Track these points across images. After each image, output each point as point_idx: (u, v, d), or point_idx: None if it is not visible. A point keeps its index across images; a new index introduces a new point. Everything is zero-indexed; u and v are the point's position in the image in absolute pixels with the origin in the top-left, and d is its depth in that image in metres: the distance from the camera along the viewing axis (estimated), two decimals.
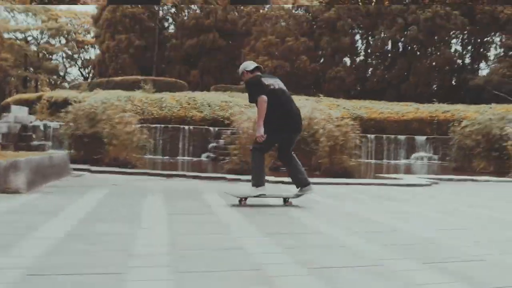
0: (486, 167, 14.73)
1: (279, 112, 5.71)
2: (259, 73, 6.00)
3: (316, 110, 13.08)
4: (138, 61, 52.80)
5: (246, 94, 6.08)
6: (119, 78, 37.41)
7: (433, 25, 39.51)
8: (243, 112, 13.67)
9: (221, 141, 20.03)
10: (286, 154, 6.02)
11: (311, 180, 6.23)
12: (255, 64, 6.05)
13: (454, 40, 45.05)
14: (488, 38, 44.10)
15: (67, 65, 71.47)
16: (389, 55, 45.60)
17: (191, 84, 48.36)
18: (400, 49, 44.94)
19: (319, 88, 41.89)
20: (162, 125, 22.19)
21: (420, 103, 30.49)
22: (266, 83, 5.78)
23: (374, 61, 46.35)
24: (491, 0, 39.88)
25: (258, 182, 5.74)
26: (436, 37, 41.33)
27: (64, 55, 69.48)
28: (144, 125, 16.44)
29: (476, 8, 40.33)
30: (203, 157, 21.16)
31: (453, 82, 44.38)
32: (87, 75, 69.22)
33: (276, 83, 5.90)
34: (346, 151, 11.61)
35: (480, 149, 14.94)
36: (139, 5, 50.87)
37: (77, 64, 71.45)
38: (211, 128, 22.56)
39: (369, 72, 46.18)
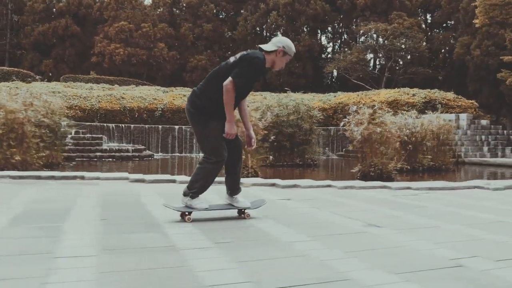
0: None
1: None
2: None
3: None
4: None
5: None
6: None
7: (292, 10, 37.98)
8: None
9: None
10: None
11: None
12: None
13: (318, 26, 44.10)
14: (351, 25, 43.67)
15: None
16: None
17: (44, 74, 43.49)
18: (265, 35, 43.12)
19: (180, 78, 38.97)
20: None
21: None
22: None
23: (237, 50, 44.14)
24: None
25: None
26: (295, 23, 39.91)
27: None
28: None
29: None
30: None
31: (320, 70, 43.53)
32: None
33: None
34: None
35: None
36: None
37: None
38: None
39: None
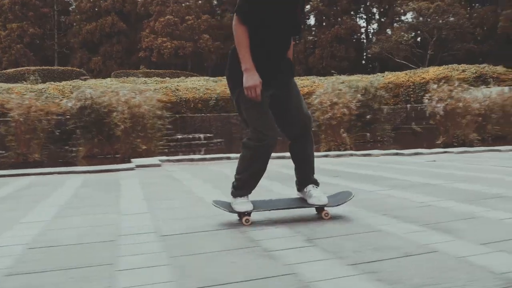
0: None
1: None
2: None
3: None
4: (37, 50, 48.92)
5: None
6: (12, 70, 34.48)
7: None
8: None
9: None
10: None
11: None
12: None
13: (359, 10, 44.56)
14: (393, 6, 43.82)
15: None
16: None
17: (94, 71, 45.54)
18: (305, 20, 43.87)
19: (223, 67, 40.19)
20: None
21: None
22: None
23: None
24: None
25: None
26: (336, 8, 40.51)
27: None
28: None
29: None
30: None
31: (361, 53, 44.09)
32: None
33: None
34: None
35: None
36: None
37: None
38: None
39: None
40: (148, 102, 10.16)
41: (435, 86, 10.95)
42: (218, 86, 25.62)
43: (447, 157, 6.96)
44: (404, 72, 26.02)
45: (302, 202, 3.13)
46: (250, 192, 3.02)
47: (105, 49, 46.65)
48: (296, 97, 3.04)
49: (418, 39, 42.24)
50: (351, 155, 7.73)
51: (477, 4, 45.13)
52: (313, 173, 3.16)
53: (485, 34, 42.33)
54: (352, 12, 46.05)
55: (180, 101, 23.06)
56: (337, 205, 3.08)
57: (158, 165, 6.72)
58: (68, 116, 10.86)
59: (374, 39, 41.83)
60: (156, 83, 28.71)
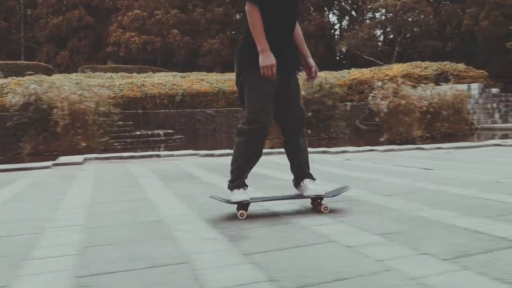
0: None
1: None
2: None
3: None
4: (3, 44, 47.69)
5: None
6: None
7: None
8: None
9: None
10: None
11: None
12: None
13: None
14: (360, 2, 44.29)
15: None
16: None
17: (61, 66, 44.68)
18: None
19: (194, 62, 39.96)
20: None
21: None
22: None
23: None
24: None
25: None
26: (305, 1, 40.65)
27: None
28: None
29: None
30: None
31: (334, 49, 44.33)
32: None
33: None
34: None
35: None
36: None
37: None
38: None
39: None
40: (94, 98, 9.97)
41: (379, 83, 11.07)
42: (185, 81, 25.42)
43: (370, 156, 6.82)
44: (369, 69, 26.31)
45: (299, 196, 3.14)
46: (245, 184, 3.05)
47: (72, 43, 45.80)
48: (297, 89, 3.14)
49: (390, 36, 42.81)
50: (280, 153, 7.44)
51: (445, 1, 45.84)
52: (309, 168, 3.18)
53: (453, 31, 43.14)
54: (326, 9, 46.34)
55: (145, 96, 22.78)
56: (334, 196, 3.10)
57: (80, 163, 6.52)
58: (12, 112, 10.62)
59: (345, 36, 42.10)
60: (123, 78, 28.32)
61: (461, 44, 39.21)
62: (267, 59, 2.80)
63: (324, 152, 7.42)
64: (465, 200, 3.06)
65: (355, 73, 26.07)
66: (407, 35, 39.87)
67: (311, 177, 3.14)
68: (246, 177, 3.08)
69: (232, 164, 3.06)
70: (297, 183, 3.16)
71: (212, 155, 7.12)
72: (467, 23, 34.10)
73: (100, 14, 45.89)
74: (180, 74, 29.96)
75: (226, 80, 27.51)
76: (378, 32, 41.37)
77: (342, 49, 38.51)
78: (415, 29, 38.27)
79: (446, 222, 2.45)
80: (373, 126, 15.06)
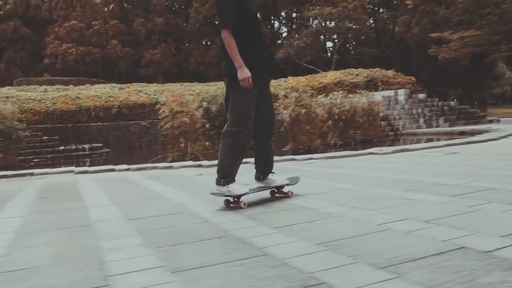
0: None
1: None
2: None
3: None
4: None
5: None
6: None
7: None
8: None
9: None
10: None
11: None
12: None
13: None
14: (302, 11, 44.97)
15: None
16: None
17: None
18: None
19: (136, 73, 39.37)
20: None
21: None
22: None
23: (191, 42, 44.77)
24: None
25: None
26: None
27: None
28: None
29: None
30: None
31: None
32: None
33: None
34: None
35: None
36: None
37: None
38: None
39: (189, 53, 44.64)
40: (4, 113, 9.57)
41: (282, 92, 11.16)
42: (122, 93, 24.91)
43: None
44: (306, 76, 26.70)
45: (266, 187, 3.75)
46: (235, 179, 3.53)
47: (8, 55, 44.16)
48: (270, 97, 3.72)
49: (329, 43, 43.74)
50: (167, 167, 7.11)
51: (382, 10, 47.33)
52: (273, 166, 3.84)
53: (389, 39, 44.55)
54: (272, 17, 46.81)
55: (80, 109, 22.12)
56: (294, 184, 3.84)
57: None
58: None
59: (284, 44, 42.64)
60: (58, 90, 27.51)
61: (397, 51, 40.53)
62: (244, 73, 3.35)
63: (199, 165, 7.20)
64: None
65: (291, 81, 26.39)
66: (347, 44, 40.85)
67: (272, 172, 3.79)
68: (236, 173, 3.55)
69: (221, 162, 3.52)
70: (264, 177, 3.74)
71: (113, 170, 6.91)
72: (400, 30, 35.32)
73: (36, 25, 44.50)
74: (119, 85, 29.39)
75: (164, 91, 27.22)
76: (316, 39, 42.11)
77: (279, 57, 38.85)
78: (352, 36, 39.24)
79: None
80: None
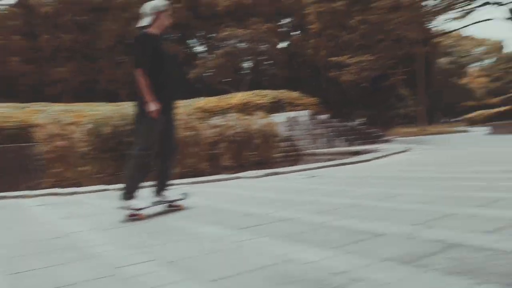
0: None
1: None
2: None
3: None
4: None
5: None
6: None
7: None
8: None
9: None
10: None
11: None
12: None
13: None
14: (215, 32, 45.26)
15: None
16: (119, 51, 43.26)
17: None
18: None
19: (40, 92, 37.30)
20: None
21: None
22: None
23: (101, 60, 43.34)
24: None
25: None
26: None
27: None
28: None
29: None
30: None
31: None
32: None
33: None
34: None
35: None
36: None
37: None
38: None
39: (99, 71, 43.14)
40: None
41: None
42: (22, 113, 23.40)
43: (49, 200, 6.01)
44: (218, 97, 26.64)
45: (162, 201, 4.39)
46: (137, 195, 4.13)
47: None
48: (175, 122, 4.38)
49: (243, 64, 44.20)
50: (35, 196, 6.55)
51: (295, 33, 48.76)
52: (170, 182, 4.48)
53: (302, 61, 45.96)
54: (194, 39, 46.57)
55: None
56: (184, 199, 4.45)
57: None
58: None
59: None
60: None
61: (309, 73, 41.84)
62: (153, 106, 3.98)
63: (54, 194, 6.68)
64: None
65: (201, 102, 26.22)
66: (260, 66, 41.55)
67: (168, 189, 4.42)
68: (138, 189, 4.12)
69: (127, 181, 4.11)
70: (160, 193, 4.37)
71: None
72: (310, 53, 36.53)
73: None
74: (21, 105, 27.57)
75: (68, 111, 25.99)
76: (230, 60, 42.53)
77: (193, 77, 38.73)
78: (260, 58, 39.99)
79: None
80: None
